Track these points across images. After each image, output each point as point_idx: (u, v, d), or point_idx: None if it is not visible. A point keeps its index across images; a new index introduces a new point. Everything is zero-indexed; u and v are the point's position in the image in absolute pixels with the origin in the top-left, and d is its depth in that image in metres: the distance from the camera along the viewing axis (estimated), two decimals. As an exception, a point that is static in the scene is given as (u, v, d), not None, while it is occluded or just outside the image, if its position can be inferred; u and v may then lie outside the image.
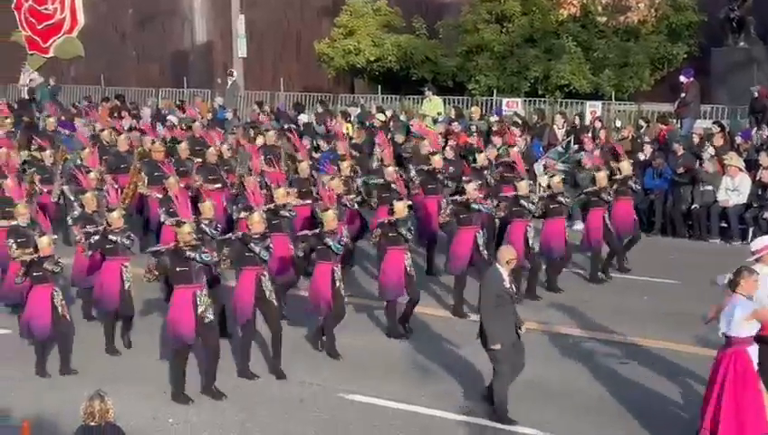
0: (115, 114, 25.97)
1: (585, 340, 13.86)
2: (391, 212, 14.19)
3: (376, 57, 29.29)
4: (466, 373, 12.51)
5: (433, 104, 25.61)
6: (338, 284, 13.24)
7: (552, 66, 26.92)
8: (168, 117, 25.13)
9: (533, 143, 22.19)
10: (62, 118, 25.90)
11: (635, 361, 12.96)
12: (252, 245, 12.52)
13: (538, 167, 20.62)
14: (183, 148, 19.30)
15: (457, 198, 15.49)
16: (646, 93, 27.04)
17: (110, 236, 13.51)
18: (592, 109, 25.13)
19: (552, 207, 15.97)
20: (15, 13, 35.56)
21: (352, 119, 24.34)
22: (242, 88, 30.14)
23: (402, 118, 24.86)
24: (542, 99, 26.99)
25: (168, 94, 31.89)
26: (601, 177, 16.61)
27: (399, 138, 22.18)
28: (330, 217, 13.27)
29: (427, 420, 11.39)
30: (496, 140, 20.79)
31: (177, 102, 28.56)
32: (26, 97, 30.48)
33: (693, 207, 19.82)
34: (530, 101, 26.87)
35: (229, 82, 29.38)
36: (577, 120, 23.64)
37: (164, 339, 13.26)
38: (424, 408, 11.66)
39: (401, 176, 17.21)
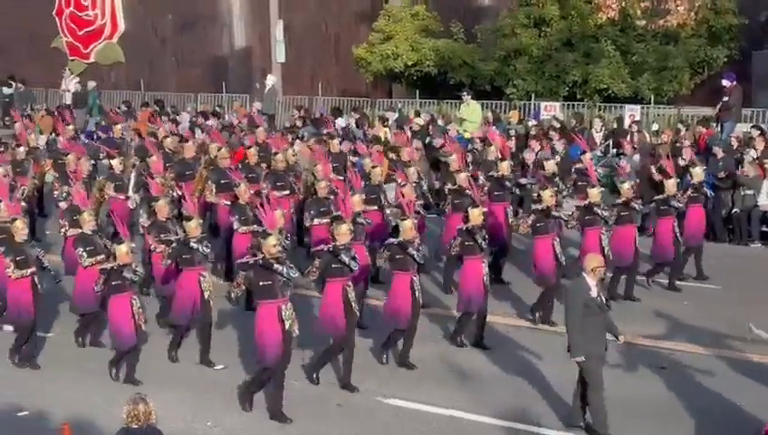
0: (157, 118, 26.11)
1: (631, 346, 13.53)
2: (466, 219, 13.76)
3: (414, 62, 29.31)
4: (522, 381, 12.40)
5: (471, 109, 25.57)
6: (417, 294, 12.87)
7: (590, 70, 26.82)
8: (207, 122, 25.23)
9: (572, 147, 22.09)
10: (103, 123, 26.14)
11: (683, 367, 12.80)
12: (342, 256, 12.12)
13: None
14: (252, 154, 18.85)
15: (536, 206, 15.01)
16: (685, 97, 26.89)
17: (191, 245, 13.18)
18: (631, 113, 25.00)
19: (623, 214, 15.57)
20: (56, 19, 35.92)
21: (390, 123, 24.35)
22: (280, 93, 30.25)
23: (440, 122, 24.85)
24: (581, 103, 26.90)
25: (206, 99, 32.06)
26: (671, 184, 16.07)
27: (438, 142, 22.17)
28: (408, 227, 12.93)
29: (465, 423, 11.38)
30: (534, 144, 20.77)
31: (216, 107, 28.70)
32: (69, 103, 30.70)
33: (734, 211, 19.66)
34: (568, 105, 26.79)
35: (267, 87, 29.49)
36: (615, 124, 23.53)
37: (241, 354, 13.23)
38: (461, 412, 11.63)
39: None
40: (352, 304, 12.19)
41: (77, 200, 14.85)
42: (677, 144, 21.01)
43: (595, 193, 15.36)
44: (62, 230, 15.53)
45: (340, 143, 20.81)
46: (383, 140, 22.41)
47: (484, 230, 13.79)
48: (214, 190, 17.38)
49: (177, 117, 26.31)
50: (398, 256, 12.89)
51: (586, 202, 15.34)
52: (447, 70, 29.04)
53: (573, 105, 26.76)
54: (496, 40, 28.72)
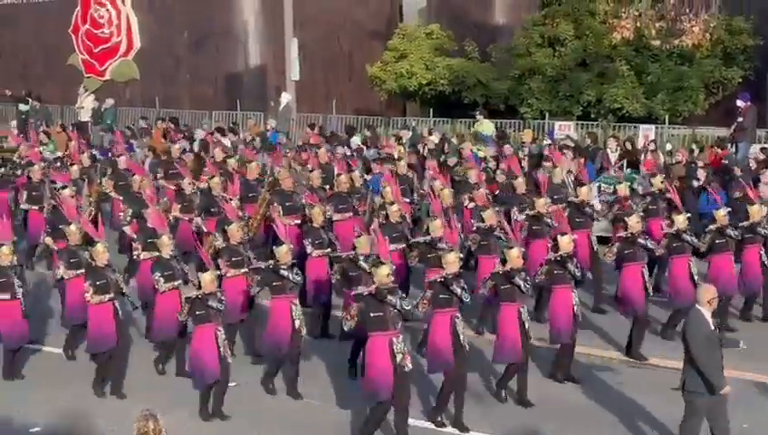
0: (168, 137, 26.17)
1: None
2: (555, 248, 13.21)
3: (428, 80, 29.34)
4: (618, 417, 12.03)
5: (484, 127, 25.58)
6: (527, 325, 12.28)
7: (605, 90, 26.81)
8: (223, 140, 25.27)
9: (586, 167, 22.03)
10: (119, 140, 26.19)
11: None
12: (454, 286, 11.57)
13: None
14: (315, 176, 18.37)
15: (622, 233, 14.43)
16: (700, 118, 26.83)
17: (281, 272, 12.76)
18: (646, 132, 24.95)
19: (717, 241, 14.87)
20: (72, 36, 36.08)
21: (404, 142, 24.34)
22: (294, 110, 30.30)
23: (454, 141, 24.83)
24: (595, 122, 26.88)
25: (221, 117, 32.15)
26: (755, 211, 15.27)
27: (452, 161, 22.14)
28: (515, 255, 12.29)
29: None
30: (548, 164, 20.71)
31: (230, 125, 28.74)
32: (84, 119, 30.78)
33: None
34: (582, 124, 26.77)
35: (282, 105, 29.54)
36: (628, 145, 23.46)
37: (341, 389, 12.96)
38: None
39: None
40: (461, 336, 11.63)
41: (154, 223, 14.49)
42: (692, 164, 20.95)
43: (681, 219, 14.69)
44: (136, 253, 14.96)
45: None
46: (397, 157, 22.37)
47: (575, 258, 13.26)
48: (281, 212, 16.86)
49: (194, 133, 26.35)
50: (503, 287, 12.27)
51: (674, 229, 14.67)
52: (462, 89, 29.06)
53: (587, 125, 26.73)
54: (510, 59, 28.74)
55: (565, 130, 25.75)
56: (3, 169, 20.50)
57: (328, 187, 18.33)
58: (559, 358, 13.18)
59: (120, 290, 13.00)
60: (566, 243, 13.04)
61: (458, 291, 11.53)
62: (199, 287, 12.01)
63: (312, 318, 14.57)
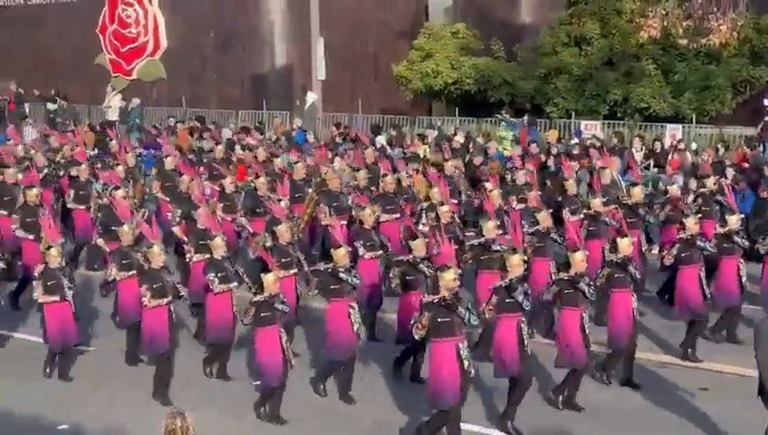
0: (195, 135, 26.25)
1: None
2: (614, 249, 12.99)
3: (454, 80, 29.33)
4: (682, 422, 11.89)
5: (507, 129, 25.57)
6: (587, 330, 12.06)
7: (631, 89, 26.73)
8: (247, 140, 25.34)
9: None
10: (144, 139, 26.34)
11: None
12: (517, 292, 11.34)
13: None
14: (361, 176, 18.31)
15: (682, 235, 14.13)
16: (727, 117, 26.70)
17: (341, 275, 12.50)
18: (673, 132, 24.87)
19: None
20: (100, 36, 36.34)
21: (429, 141, 24.35)
22: (320, 110, 30.36)
23: (480, 140, 24.83)
24: (622, 122, 26.79)
25: (247, 116, 32.25)
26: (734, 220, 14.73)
27: (477, 160, 22.13)
28: (579, 259, 12.02)
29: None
30: (573, 164, 20.65)
31: (257, 124, 28.84)
32: (112, 119, 30.95)
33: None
34: (609, 123, 26.69)
35: (307, 104, 29.60)
36: (657, 144, 23.40)
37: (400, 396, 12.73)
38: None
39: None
40: (525, 341, 11.45)
41: (207, 225, 14.42)
42: (719, 164, 20.85)
43: (734, 220, 14.46)
44: (188, 256, 14.74)
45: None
46: (423, 157, 22.38)
47: (633, 261, 12.98)
48: (328, 213, 16.82)
49: (220, 133, 26.42)
50: (567, 292, 12.06)
51: (725, 229, 14.43)
52: (487, 88, 29.04)
53: (614, 124, 26.66)
54: (537, 58, 28.69)
55: (591, 129, 25.71)
56: (46, 170, 20.15)
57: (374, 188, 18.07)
58: (612, 362, 12.89)
59: (178, 293, 12.87)
60: (626, 245, 12.78)
61: (520, 298, 11.34)
62: (261, 289, 11.75)
63: (364, 321, 14.03)
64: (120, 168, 19.36)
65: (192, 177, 18.04)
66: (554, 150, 22.63)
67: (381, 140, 25.35)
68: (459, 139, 24.25)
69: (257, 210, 16.96)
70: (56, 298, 13.02)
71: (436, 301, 10.73)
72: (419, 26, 31.21)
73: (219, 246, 13.24)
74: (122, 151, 21.62)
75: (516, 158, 21.06)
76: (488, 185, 17.47)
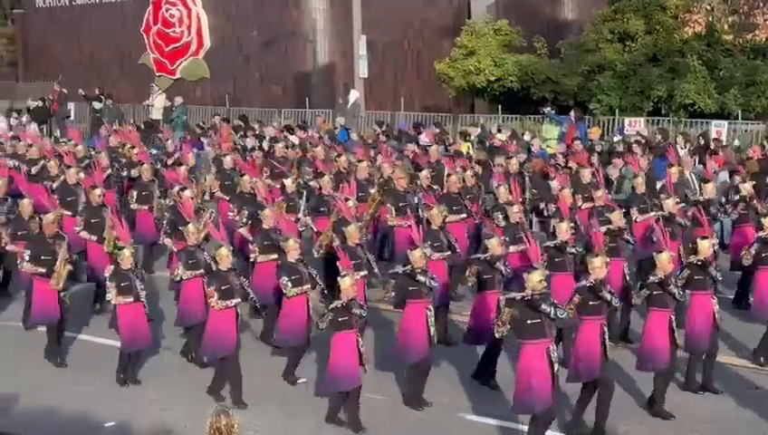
0: (240, 134, 26.37)
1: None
2: (694, 251, 12.58)
3: (496, 77, 29.24)
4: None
5: (553, 124, 25.46)
6: (675, 333, 11.82)
7: (676, 85, 26.51)
8: (291, 137, 25.44)
9: (656, 163, 21.82)
10: (189, 138, 26.49)
11: None
12: (603, 292, 11.20)
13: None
14: (424, 175, 17.96)
15: (761, 234, 13.84)
16: (773, 113, 26.45)
17: (418, 277, 12.25)
18: (718, 128, 24.66)
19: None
20: (144, 36, 36.63)
21: (472, 138, 24.31)
22: (362, 108, 30.41)
23: (526, 138, 24.74)
24: (666, 118, 26.60)
25: (290, 115, 32.36)
26: None
27: (521, 158, 22.04)
28: (666, 260, 11.76)
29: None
30: (617, 161, 20.54)
31: (299, 123, 28.93)
32: (156, 118, 31.18)
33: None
34: (653, 120, 26.51)
35: (350, 102, 29.65)
36: (702, 141, 23.19)
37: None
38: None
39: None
40: (607, 344, 11.30)
41: (280, 225, 14.29)
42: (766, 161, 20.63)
43: None
44: (253, 256, 14.59)
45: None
46: (465, 154, 22.33)
47: (713, 262, 12.61)
48: (393, 213, 16.63)
49: (263, 131, 26.53)
50: (656, 293, 11.82)
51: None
52: (530, 85, 28.93)
53: (658, 121, 26.47)
54: (580, 55, 28.54)
55: (635, 126, 25.53)
56: (110, 170, 19.99)
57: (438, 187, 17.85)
58: (693, 367, 12.53)
59: (246, 295, 12.76)
60: (706, 247, 12.38)
61: (608, 296, 11.17)
62: (338, 292, 11.57)
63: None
64: (183, 168, 19.07)
65: (256, 176, 17.78)
66: (597, 148, 22.52)
67: (424, 138, 25.32)
68: (501, 136, 24.18)
69: (321, 209, 16.83)
70: (130, 299, 12.94)
71: (518, 298, 10.58)
72: (462, 24, 31.13)
73: (293, 249, 12.99)
74: (185, 151, 21.51)
75: (559, 155, 20.96)
76: (555, 184, 17.23)
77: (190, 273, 13.56)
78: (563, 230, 13.77)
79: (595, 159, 21.18)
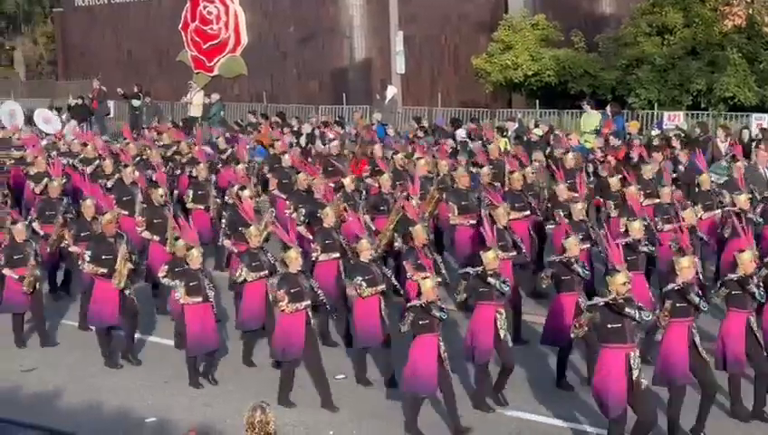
0: (279, 129, 26.41)
1: None
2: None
3: (534, 72, 29.14)
4: None
5: (591, 118, 25.34)
6: (758, 334, 11.45)
7: (715, 78, 26.29)
8: (328, 133, 25.47)
9: (694, 158, 21.65)
10: (227, 134, 26.57)
11: None
12: (691, 295, 10.83)
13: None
14: (485, 173, 17.47)
15: None
16: (816, 106, 26.17)
17: (489, 280, 11.89)
18: (758, 121, 24.44)
19: None
20: (182, 33, 36.83)
21: (509, 134, 24.23)
22: (400, 104, 30.40)
23: (558, 132, 24.61)
24: (705, 112, 26.39)
25: (327, 111, 32.41)
26: None
27: (558, 153, 21.95)
28: (747, 259, 11.38)
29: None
30: (656, 155, 20.39)
31: (337, 119, 28.97)
32: (195, 115, 31.32)
33: None
34: (692, 114, 26.31)
35: (387, 98, 29.65)
36: (746, 135, 22.98)
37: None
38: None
39: None
40: (699, 346, 10.91)
41: (353, 226, 13.91)
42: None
43: None
44: (314, 255, 14.30)
45: (456, 154, 20.58)
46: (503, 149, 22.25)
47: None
48: (456, 212, 16.23)
49: (301, 128, 26.58)
50: (734, 293, 11.45)
51: None
52: (568, 79, 28.80)
53: (697, 114, 26.26)
54: (618, 49, 28.38)
55: (674, 120, 25.36)
56: (163, 169, 19.73)
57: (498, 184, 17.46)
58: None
59: (317, 297, 12.51)
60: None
61: (696, 300, 10.84)
62: (418, 294, 11.32)
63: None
64: (241, 166, 18.79)
65: (313, 174, 17.46)
66: (636, 142, 22.36)
67: (462, 133, 25.30)
68: (538, 131, 24.10)
69: (380, 208, 16.57)
70: (199, 299, 12.78)
71: (602, 303, 10.23)
72: (499, 18, 31.05)
73: (366, 249, 12.75)
74: (240, 148, 21.45)
75: (598, 150, 20.84)
76: (614, 180, 16.86)
77: (254, 275, 13.35)
78: (636, 229, 13.45)
79: (634, 153, 20.96)
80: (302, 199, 16.74)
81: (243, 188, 16.24)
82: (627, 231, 13.71)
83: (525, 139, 23.52)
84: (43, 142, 24.32)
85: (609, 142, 22.01)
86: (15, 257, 14.52)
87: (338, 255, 14.17)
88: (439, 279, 12.36)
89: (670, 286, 11.03)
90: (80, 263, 14.42)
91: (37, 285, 14.62)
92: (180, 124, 28.71)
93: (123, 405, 12.49)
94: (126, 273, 13.76)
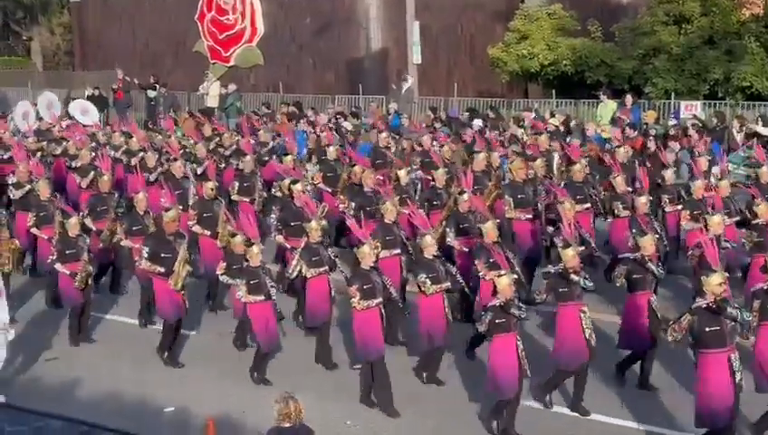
0: (292, 120, 26.46)
1: None
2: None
3: (550, 61, 29.12)
4: None
5: (608, 108, 25.28)
6: None
7: (732, 68, 26.22)
8: (344, 124, 25.50)
9: (713, 146, 21.60)
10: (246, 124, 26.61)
11: None
12: None
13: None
14: (539, 165, 17.11)
15: None
16: (833, 94, 26.06)
17: (572, 277, 11.38)
18: (776, 111, 24.38)
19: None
20: (198, 24, 36.79)
21: (526, 124, 24.19)
22: (416, 93, 30.40)
23: (573, 122, 24.58)
24: (723, 101, 26.30)
25: (343, 101, 32.42)
26: None
27: (575, 142, 21.90)
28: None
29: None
30: (673, 144, 20.36)
31: (353, 109, 28.99)
32: (212, 105, 31.37)
33: None
34: (710, 103, 26.23)
35: (403, 88, 29.65)
36: (759, 123, 22.90)
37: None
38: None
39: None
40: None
41: (418, 221, 13.30)
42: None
43: None
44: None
45: (474, 143, 20.55)
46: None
47: None
48: (512, 205, 15.52)
49: (317, 118, 26.60)
50: None
51: None
52: (585, 69, 28.77)
53: (715, 104, 26.19)
54: (635, 38, 28.32)
55: (692, 109, 25.28)
56: (207, 162, 19.04)
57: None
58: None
59: (390, 295, 12.07)
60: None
61: None
62: (494, 292, 10.98)
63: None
64: (289, 157, 18.31)
65: (365, 167, 16.95)
66: (653, 131, 22.30)
67: (478, 123, 25.27)
68: (555, 121, 24.06)
69: (434, 203, 16.05)
70: (261, 297, 12.44)
71: (704, 306, 9.84)
72: (515, 8, 31.03)
73: (429, 245, 12.40)
74: (289, 139, 21.11)
75: (615, 140, 20.78)
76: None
77: (314, 271, 13.01)
78: (716, 224, 13.15)
79: (651, 143, 20.88)
80: (354, 193, 16.39)
81: (295, 181, 15.61)
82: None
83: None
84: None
85: (626, 132, 21.94)
86: (68, 252, 14.22)
87: (398, 251, 13.75)
88: (515, 276, 11.70)
89: (759, 286, 10.76)
90: (136, 259, 14.08)
91: (89, 281, 14.36)
92: (197, 115, 28.76)
93: (142, 396, 12.52)
94: (184, 275, 13.41)
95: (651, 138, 21.23)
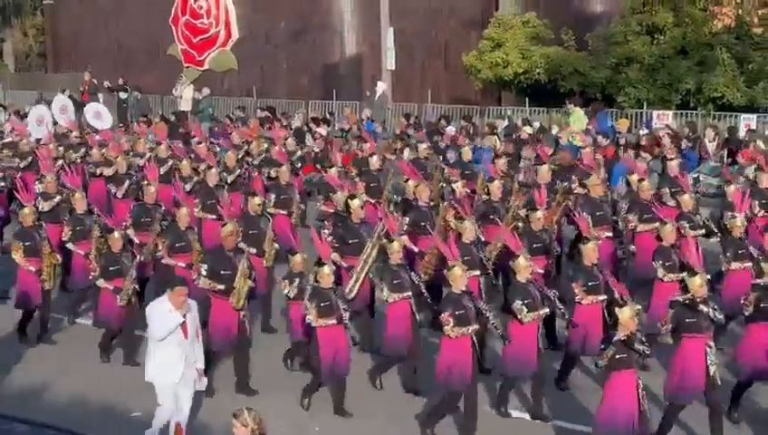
0: (265, 126, 26.38)
1: None
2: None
3: (524, 69, 29.21)
4: None
5: (575, 117, 25.41)
6: None
7: (704, 78, 26.40)
8: (317, 130, 25.46)
9: (688, 155, 21.76)
10: (216, 129, 26.56)
11: None
12: None
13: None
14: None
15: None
16: (804, 107, 26.27)
17: (701, 307, 10.49)
18: (747, 122, 24.54)
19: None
20: (172, 27, 36.66)
21: (499, 131, 24.27)
22: (390, 100, 30.43)
23: (553, 131, 24.67)
24: (694, 111, 26.47)
25: (317, 106, 32.41)
26: None
27: (548, 150, 21.96)
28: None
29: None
30: (645, 154, 20.46)
31: (326, 115, 28.97)
32: (184, 109, 31.27)
33: None
34: (681, 113, 26.39)
35: (377, 94, 29.66)
36: (727, 134, 23.08)
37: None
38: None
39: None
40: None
41: (510, 242, 12.12)
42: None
43: None
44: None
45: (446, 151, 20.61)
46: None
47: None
48: (590, 223, 13.93)
49: (291, 123, 26.58)
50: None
51: None
52: (558, 78, 28.87)
53: (687, 114, 26.35)
54: (608, 47, 28.46)
55: (664, 119, 25.45)
56: (239, 171, 18.46)
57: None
58: None
59: (486, 319, 11.13)
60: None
61: None
62: (614, 325, 10.20)
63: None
64: (334, 169, 17.37)
65: (417, 179, 16.09)
66: (622, 141, 22.43)
67: (451, 130, 25.32)
68: (528, 129, 24.13)
69: (490, 217, 15.06)
70: (333, 321, 11.41)
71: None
72: (489, 16, 31.11)
73: (525, 268, 11.44)
74: (335, 150, 20.34)
75: (588, 149, 20.84)
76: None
77: (397, 296, 12.01)
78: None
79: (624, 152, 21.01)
80: (408, 207, 15.63)
81: (352, 196, 14.55)
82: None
83: (515, 136, 23.55)
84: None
85: (598, 142, 22.03)
86: (111, 269, 13.39)
87: (478, 272, 12.84)
88: (638, 307, 10.37)
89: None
90: (194, 278, 12.72)
91: (133, 299, 13.48)
92: (171, 119, 28.66)
93: (108, 401, 12.39)
94: (246, 292, 12.35)
95: (622, 147, 21.37)
